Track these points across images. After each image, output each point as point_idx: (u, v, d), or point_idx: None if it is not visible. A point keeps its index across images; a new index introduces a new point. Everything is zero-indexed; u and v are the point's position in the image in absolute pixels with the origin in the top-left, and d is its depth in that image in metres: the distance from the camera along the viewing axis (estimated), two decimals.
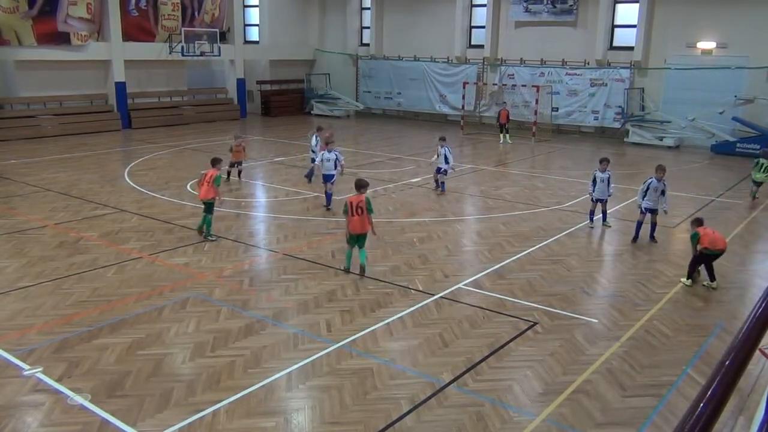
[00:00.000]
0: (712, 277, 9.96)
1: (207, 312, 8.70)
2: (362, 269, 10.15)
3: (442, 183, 16.06)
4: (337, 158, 14.20)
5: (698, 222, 10.20)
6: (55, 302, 8.96)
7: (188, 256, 11.07)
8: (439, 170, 15.99)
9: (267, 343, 7.81)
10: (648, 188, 11.96)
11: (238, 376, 7.04)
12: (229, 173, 16.79)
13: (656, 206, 12.01)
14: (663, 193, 11.98)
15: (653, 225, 12.20)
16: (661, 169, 11.97)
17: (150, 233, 12.31)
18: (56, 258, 10.79)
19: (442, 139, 16.03)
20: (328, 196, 14.24)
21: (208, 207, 11.91)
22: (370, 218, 10.17)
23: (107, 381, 6.87)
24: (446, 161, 15.70)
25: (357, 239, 10.20)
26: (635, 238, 12.24)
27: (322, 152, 14.27)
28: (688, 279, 10.10)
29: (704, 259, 9.98)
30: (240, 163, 17.09)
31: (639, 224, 12.24)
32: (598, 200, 13.28)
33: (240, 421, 6.22)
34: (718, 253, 9.93)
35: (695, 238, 9.96)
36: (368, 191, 10.67)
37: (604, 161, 13.42)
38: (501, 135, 25.38)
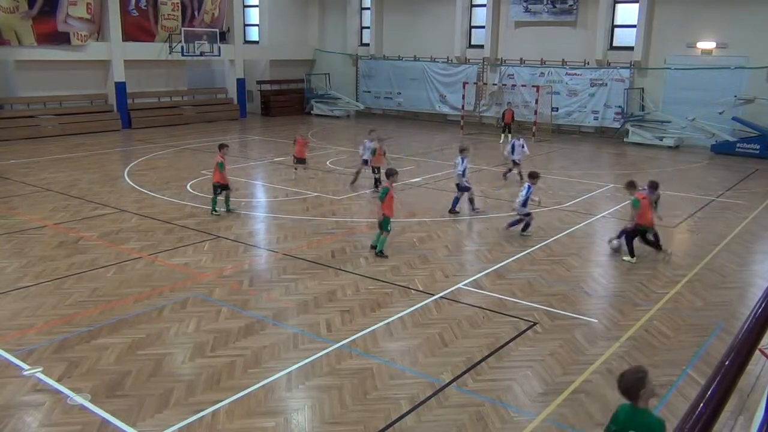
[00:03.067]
0: (632, 253, 10.79)
1: (207, 312, 8.70)
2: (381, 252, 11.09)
3: (471, 200, 14.22)
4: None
5: (633, 185, 10.97)
6: (55, 302, 8.96)
7: (188, 256, 11.07)
8: (465, 188, 14.08)
9: (267, 343, 7.81)
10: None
11: (238, 376, 7.04)
12: (356, 177, 16.63)
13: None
14: (656, 204, 11.66)
15: (655, 236, 11.52)
16: (652, 186, 11.50)
17: (150, 233, 12.31)
18: (56, 258, 10.79)
19: (463, 150, 14.43)
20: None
21: (216, 188, 13.48)
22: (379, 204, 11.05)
23: (107, 381, 6.87)
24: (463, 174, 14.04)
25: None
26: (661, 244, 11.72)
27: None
28: (632, 257, 10.81)
29: (637, 233, 10.62)
30: (379, 169, 15.73)
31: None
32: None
33: (240, 421, 6.22)
34: (648, 228, 10.72)
35: (637, 205, 10.60)
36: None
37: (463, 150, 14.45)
38: (503, 135, 25.33)
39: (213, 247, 11.56)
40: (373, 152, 15.88)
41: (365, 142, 16.63)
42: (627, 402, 4.35)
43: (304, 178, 17.41)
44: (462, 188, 14.09)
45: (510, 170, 17.90)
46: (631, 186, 11.28)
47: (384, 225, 11.01)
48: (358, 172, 16.64)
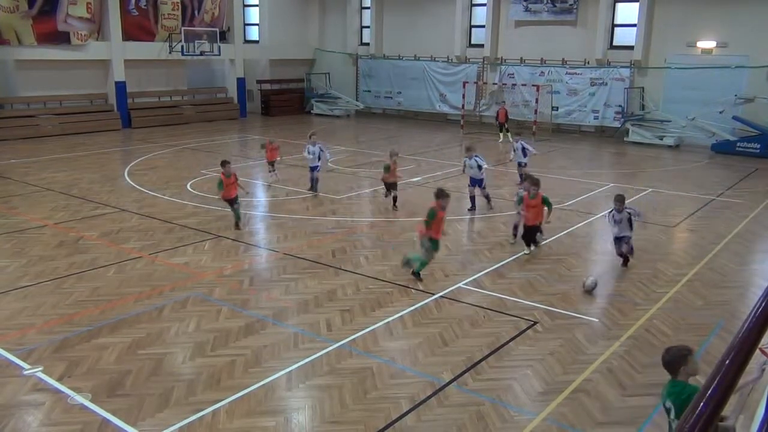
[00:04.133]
0: (529, 244, 11.33)
1: (207, 311, 8.71)
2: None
3: (486, 197, 14.46)
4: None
5: (535, 182, 11.15)
6: (56, 302, 8.96)
7: (188, 255, 11.07)
8: (479, 183, 14.12)
9: (267, 343, 7.81)
10: (612, 218, 10.67)
11: (239, 376, 7.04)
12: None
13: (624, 233, 10.61)
14: (630, 222, 10.58)
15: (630, 251, 10.82)
16: (618, 200, 10.58)
17: (150, 233, 12.31)
18: (56, 257, 10.79)
19: (469, 149, 14.47)
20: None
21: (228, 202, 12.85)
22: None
23: (107, 380, 6.87)
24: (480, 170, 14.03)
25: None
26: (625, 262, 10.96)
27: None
28: (528, 247, 11.34)
29: (530, 230, 11.22)
30: (394, 187, 14.45)
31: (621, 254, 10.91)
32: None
33: (240, 420, 6.22)
34: (538, 226, 11.26)
35: (521, 201, 11.22)
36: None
37: (469, 149, 14.56)
38: (501, 134, 25.34)
39: (213, 246, 11.56)
40: (387, 168, 14.16)
41: (307, 147, 15.59)
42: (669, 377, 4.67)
43: (283, 180, 17.00)
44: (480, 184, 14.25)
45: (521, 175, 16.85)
46: (532, 181, 11.36)
47: (433, 245, 9.92)
48: (312, 180, 15.64)
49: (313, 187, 15.57)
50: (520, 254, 11.30)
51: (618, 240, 10.75)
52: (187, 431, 6.02)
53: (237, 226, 12.61)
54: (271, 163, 17.02)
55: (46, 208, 14.03)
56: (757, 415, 4.08)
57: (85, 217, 13.39)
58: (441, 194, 9.91)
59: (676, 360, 4.63)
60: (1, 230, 12.37)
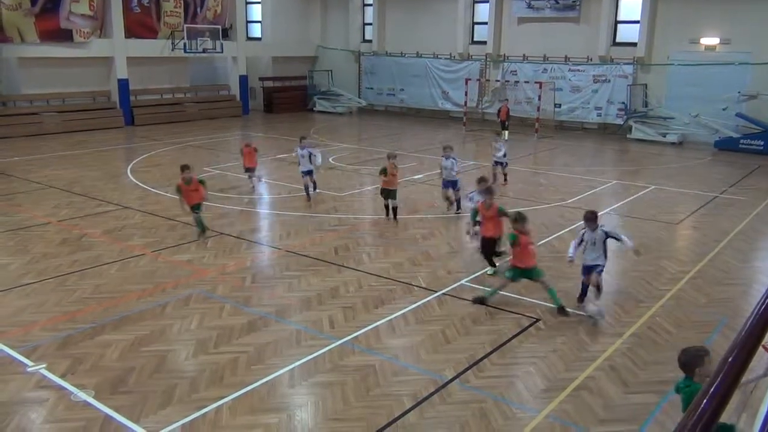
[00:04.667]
0: (493, 263, 10.21)
1: (210, 308, 8.72)
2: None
3: (458, 200, 13.69)
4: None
5: (489, 191, 10.22)
6: (59, 299, 8.98)
7: (191, 252, 11.09)
8: (452, 184, 13.56)
9: (270, 340, 7.82)
10: (583, 241, 8.78)
11: (241, 373, 7.05)
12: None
13: (598, 262, 8.76)
14: (605, 244, 8.75)
15: (598, 287, 8.90)
16: (591, 218, 8.69)
17: (153, 230, 12.33)
18: (59, 255, 10.82)
19: (447, 148, 13.61)
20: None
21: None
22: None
23: (111, 377, 6.89)
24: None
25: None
26: (582, 296, 9.12)
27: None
28: (491, 265, 10.21)
29: (488, 243, 10.10)
30: (394, 194, 13.06)
31: (583, 285, 9.08)
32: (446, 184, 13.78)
33: (243, 417, 6.23)
34: (496, 239, 10.16)
35: (475, 215, 10.20)
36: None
37: (447, 148, 13.71)
38: (503, 132, 25.20)
39: (216, 243, 11.57)
40: (384, 171, 12.87)
41: (296, 149, 14.67)
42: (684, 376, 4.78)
43: (261, 187, 16.01)
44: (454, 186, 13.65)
45: (449, 199, 14.39)
46: (488, 192, 10.21)
47: (514, 274, 8.87)
48: (306, 188, 14.60)
49: (308, 194, 14.55)
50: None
51: (588, 269, 8.83)
52: (190, 428, 6.04)
53: (201, 234, 11.72)
54: (249, 170, 15.60)
55: (49, 205, 14.05)
56: (760, 412, 4.08)
57: (88, 214, 13.41)
58: (518, 218, 8.78)
59: (692, 361, 4.71)
60: (4, 228, 12.40)
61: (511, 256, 8.98)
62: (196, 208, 11.69)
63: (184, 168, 11.71)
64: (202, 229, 11.78)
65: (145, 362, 7.24)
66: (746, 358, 1.60)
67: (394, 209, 13.11)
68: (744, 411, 6.18)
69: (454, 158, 13.43)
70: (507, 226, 9.59)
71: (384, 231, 12.60)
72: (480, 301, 8.96)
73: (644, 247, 11.64)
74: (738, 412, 6.08)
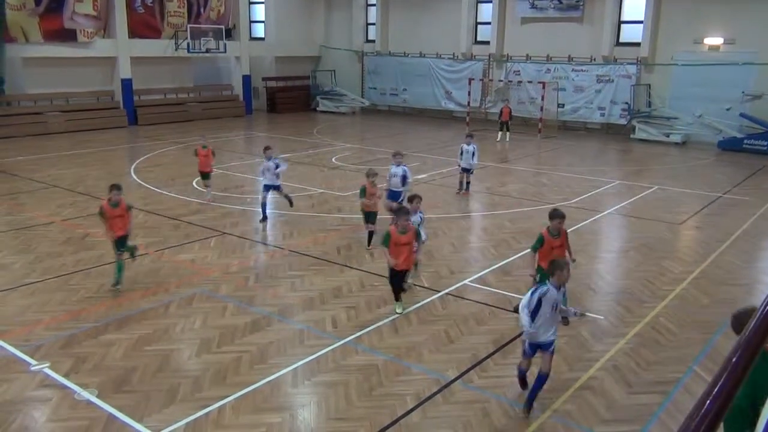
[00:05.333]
0: (398, 297, 8.64)
1: (213, 308, 8.73)
2: None
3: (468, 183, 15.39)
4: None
5: (402, 211, 8.52)
6: (62, 298, 9.00)
7: (194, 252, 11.10)
8: (396, 196, 11.68)
9: (273, 339, 7.83)
10: (538, 305, 6.12)
11: (244, 372, 7.06)
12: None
13: (551, 337, 6.29)
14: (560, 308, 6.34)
15: (539, 379, 6.29)
16: (559, 269, 6.20)
17: (156, 229, 12.35)
18: (63, 254, 10.84)
19: (397, 155, 12.15)
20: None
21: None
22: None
23: (114, 376, 6.90)
24: (404, 182, 11.79)
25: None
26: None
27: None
28: (398, 301, 8.64)
29: (398, 274, 8.49)
30: (374, 217, 11.37)
31: (522, 371, 6.69)
32: (463, 170, 15.20)
33: (246, 416, 6.24)
34: (404, 270, 8.51)
35: (387, 240, 8.30)
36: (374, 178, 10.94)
37: (468, 136, 15.24)
38: (499, 132, 25.05)
39: (219, 243, 11.59)
40: (363, 192, 11.17)
41: (265, 162, 12.85)
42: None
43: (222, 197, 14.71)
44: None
45: (461, 182, 15.50)
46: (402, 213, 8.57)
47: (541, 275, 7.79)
48: (263, 204, 12.97)
49: (264, 215, 12.91)
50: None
51: (541, 348, 6.34)
52: (193, 427, 6.05)
53: (114, 284, 9.32)
54: (205, 176, 14.32)
55: (52, 204, 14.08)
56: (763, 413, 4.07)
57: (92, 213, 13.40)
58: (554, 215, 8.11)
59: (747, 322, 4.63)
60: (9, 227, 12.43)
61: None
62: (120, 244, 9.33)
63: (113, 188, 9.36)
64: (117, 280, 9.32)
65: (149, 361, 7.25)
66: (750, 358, 1.59)
67: (370, 234, 11.27)
68: None
69: (405, 166, 11.93)
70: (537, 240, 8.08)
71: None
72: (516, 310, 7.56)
73: (647, 247, 11.62)
74: None
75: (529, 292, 6.16)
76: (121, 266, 9.40)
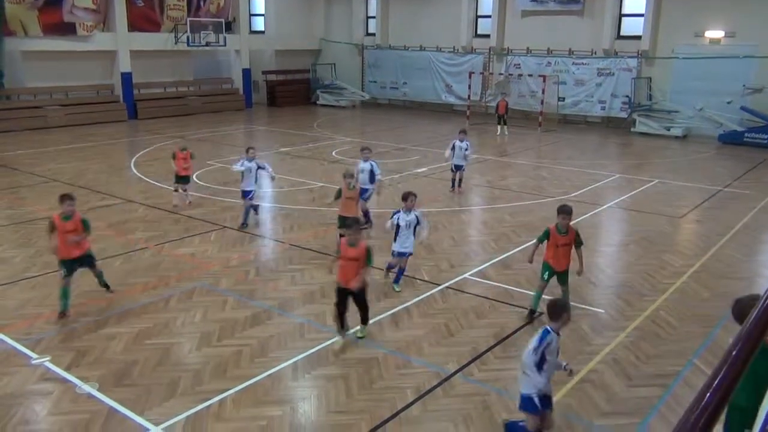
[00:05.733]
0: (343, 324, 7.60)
1: (213, 302, 8.74)
2: None
3: (365, 212, 11.91)
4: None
5: (354, 223, 7.73)
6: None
7: (195, 246, 11.11)
8: (363, 192, 11.45)
9: (273, 333, 7.84)
10: (542, 358, 5.48)
11: (245, 366, 7.07)
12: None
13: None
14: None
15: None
16: (565, 311, 5.68)
17: (156, 223, 12.35)
18: None
19: (367, 151, 12.09)
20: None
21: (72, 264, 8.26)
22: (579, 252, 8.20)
23: (114, 370, 6.91)
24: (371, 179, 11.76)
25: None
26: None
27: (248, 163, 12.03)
28: (341, 329, 7.58)
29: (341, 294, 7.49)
30: (355, 222, 9.19)
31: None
32: (455, 167, 14.77)
33: (247, 409, 6.25)
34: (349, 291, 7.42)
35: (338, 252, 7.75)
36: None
37: (462, 132, 14.81)
38: (498, 126, 25.01)
39: (219, 237, 11.59)
40: (339, 195, 10.53)
41: (242, 161, 12.18)
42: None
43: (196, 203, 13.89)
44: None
45: (454, 180, 15.06)
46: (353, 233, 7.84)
47: (544, 271, 8.24)
48: (246, 212, 12.27)
49: (245, 221, 12.17)
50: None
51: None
52: (194, 420, 6.06)
53: (62, 314, 8.06)
54: (181, 180, 13.45)
55: (53, 199, 13.97)
56: (763, 406, 4.07)
57: (92, 207, 13.42)
58: (561, 210, 8.00)
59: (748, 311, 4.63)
60: (9, 221, 12.43)
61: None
62: (68, 267, 8.10)
63: (65, 198, 8.25)
64: (64, 306, 8.13)
65: (149, 355, 7.26)
66: (750, 351, 1.59)
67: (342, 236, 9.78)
68: None
69: (373, 162, 11.68)
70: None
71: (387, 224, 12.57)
72: (531, 313, 8.17)
73: (648, 240, 11.62)
74: None
75: (531, 349, 5.44)
76: (67, 292, 8.11)
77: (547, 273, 8.15)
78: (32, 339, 7.58)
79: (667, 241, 11.89)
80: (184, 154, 13.50)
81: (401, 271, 9.34)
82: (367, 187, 11.57)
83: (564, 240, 8.05)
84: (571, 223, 8.24)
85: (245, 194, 12.17)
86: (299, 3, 34.44)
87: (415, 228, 9.08)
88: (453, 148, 14.58)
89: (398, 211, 9.24)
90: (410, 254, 9.30)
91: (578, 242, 8.10)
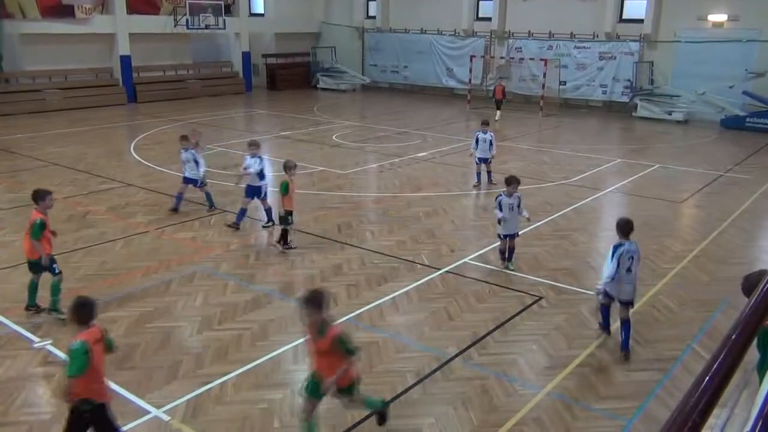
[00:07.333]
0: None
1: (214, 286, 8.76)
2: None
3: (267, 210, 11.39)
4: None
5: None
6: (64, 276, 8.97)
7: (195, 230, 11.11)
8: (256, 193, 11.13)
9: (274, 317, 7.87)
10: (618, 263, 7.23)
11: (246, 349, 7.11)
12: None
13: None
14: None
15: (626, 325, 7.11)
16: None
17: (157, 207, 12.35)
18: (64, 232, 10.81)
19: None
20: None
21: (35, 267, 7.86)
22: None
23: (116, 353, 6.93)
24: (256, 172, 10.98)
25: None
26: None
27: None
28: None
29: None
30: (290, 217, 10.25)
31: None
32: (480, 160, 14.06)
33: (247, 392, 6.29)
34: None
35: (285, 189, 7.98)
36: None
37: (484, 123, 14.17)
38: (498, 111, 24.74)
39: (219, 221, 11.59)
40: (285, 188, 9.98)
41: (181, 152, 12.07)
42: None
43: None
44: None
45: (479, 174, 14.30)
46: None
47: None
48: (179, 196, 12.02)
49: (210, 207, 12.08)
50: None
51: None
52: (195, 403, 6.10)
53: (57, 314, 7.68)
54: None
55: (53, 182, 14.05)
56: (761, 391, 4.10)
57: (92, 191, 13.43)
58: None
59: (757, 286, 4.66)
60: (10, 205, 12.43)
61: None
62: (41, 267, 7.75)
63: (47, 193, 7.81)
64: (55, 308, 7.79)
65: (151, 339, 7.30)
66: (749, 336, 1.60)
67: (284, 233, 10.18)
68: (745, 388, 6.22)
69: (260, 157, 11.01)
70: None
71: (387, 209, 12.59)
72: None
73: (648, 225, 11.62)
74: (739, 389, 6.11)
75: (609, 256, 7.32)
76: (35, 287, 7.89)
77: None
78: (34, 322, 7.62)
79: (667, 226, 11.88)
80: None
81: (511, 251, 9.62)
82: (258, 185, 10.91)
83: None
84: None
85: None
86: None
87: (518, 209, 9.39)
88: (477, 141, 13.91)
89: (501, 195, 9.52)
90: (517, 235, 9.64)
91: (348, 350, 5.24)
